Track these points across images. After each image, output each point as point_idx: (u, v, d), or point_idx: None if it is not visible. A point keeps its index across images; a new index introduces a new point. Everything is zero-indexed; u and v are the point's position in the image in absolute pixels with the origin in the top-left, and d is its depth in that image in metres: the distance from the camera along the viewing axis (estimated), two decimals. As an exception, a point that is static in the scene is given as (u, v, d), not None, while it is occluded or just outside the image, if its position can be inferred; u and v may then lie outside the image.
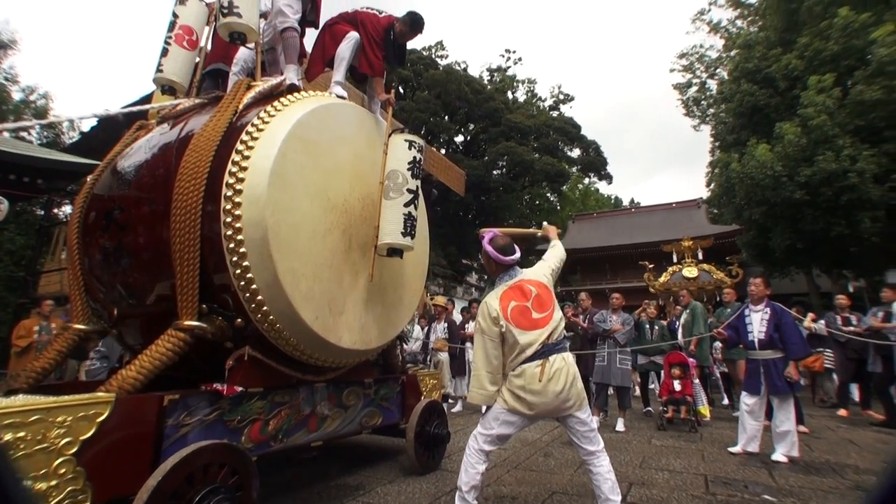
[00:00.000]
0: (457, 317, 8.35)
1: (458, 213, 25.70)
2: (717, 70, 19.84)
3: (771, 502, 3.11)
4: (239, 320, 2.55)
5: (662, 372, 6.84)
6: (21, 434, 1.63)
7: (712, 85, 20.18)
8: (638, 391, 8.32)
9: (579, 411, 2.48)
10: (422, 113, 24.04)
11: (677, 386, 6.14)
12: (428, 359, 7.05)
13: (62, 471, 1.72)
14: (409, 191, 3.10)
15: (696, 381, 6.44)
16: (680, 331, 7.16)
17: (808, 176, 11.01)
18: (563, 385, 2.38)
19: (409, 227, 3.05)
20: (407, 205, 3.07)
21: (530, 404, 2.40)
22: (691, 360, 6.47)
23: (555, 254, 2.90)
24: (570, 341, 7.26)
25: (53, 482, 1.69)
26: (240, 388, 2.45)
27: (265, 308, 2.50)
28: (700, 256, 14.83)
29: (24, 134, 14.55)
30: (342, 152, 3.05)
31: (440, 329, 7.20)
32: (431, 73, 25.79)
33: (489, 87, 29.31)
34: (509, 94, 31.72)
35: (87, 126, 12.16)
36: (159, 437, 2.08)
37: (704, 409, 6.44)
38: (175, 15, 3.49)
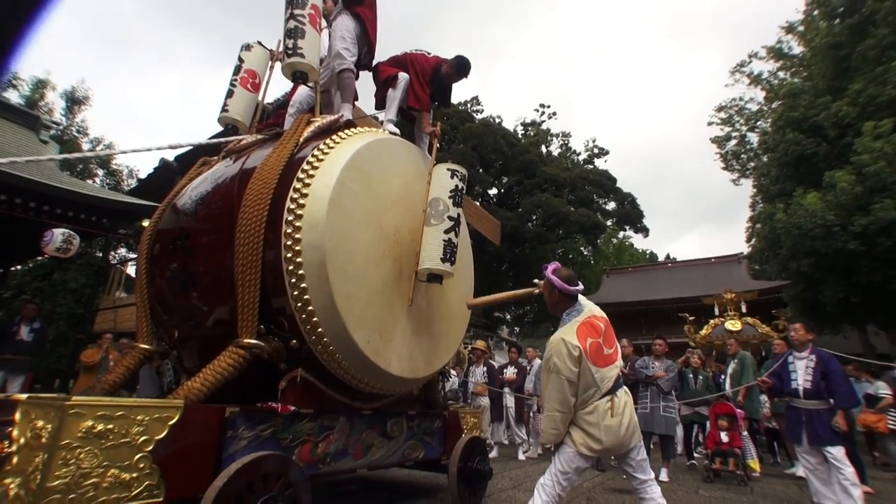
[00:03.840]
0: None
1: (492, 264, 25.70)
2: (758, 122, 19.80)
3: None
4: (294, 342, 2.64)
5: (707, 423, 6.46)
6: (110, 426, 1.78)
7: (752, 138, 20.14)
8: (681, 444, 7.82)
9: (638, 446, 2.45)
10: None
11: (724, 437, 5.82)
12: (468, 402, 6.88)
13: (141, 465, 1.84)
14: (451, 218, 3.19)
15: (745, 433, 6.08)
16: (728, 381, 6.79)
17: (864, 226, 10.50)
18: (629, 419, 2.39)
19: (449, 254, 3.12)
20: (447, 231, 3.15)
21: (601, 441, 2.33)
22: (739, 411, 6.12)
23: None
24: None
25: (135, 474, 1.82)
26: (292, 408, 2.50)
27: (320, 329, 2.58)
28: (744, 310, 14.15)
29: (89, 181, 15.80)
30: (394, 184, 3.21)
31: (479, 373, 7.07)
32: (468, 125, 26.66)
33: (524, 140, 30.02)
34: (543, 148, 32.27)
35: (144, 174, 13.18)
36: (220, 447, 2.14)
37: (754, 463, 6.05)
38: (241, 59, 3.87)
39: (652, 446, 6.60)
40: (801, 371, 4.25)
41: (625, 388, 2.48)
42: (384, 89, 3.86)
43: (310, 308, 2.55)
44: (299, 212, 2.65)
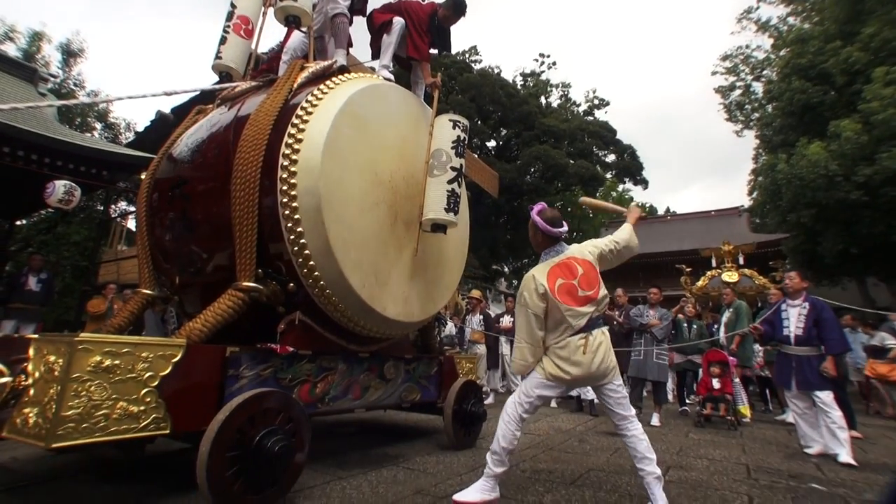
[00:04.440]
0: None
1: (490, 217, 25.62)
2: (764, 71, 19.04)
3: (819, 490, 3.01)
4: (291, 285, 2.70)
5: (700, 371, 6.67)
6: (117, 362, 1.88)
7: (758, 88, 19.42)
8: (673, 392, 8.12)
9: (615, 380, 2.56)
10: (456, 116, 24.18)
11: (716, 384, 5.98)
12: (465, 349, 7.10)
13: (148, 399, 1.96)
14: (453, 168, 3.20)
15: (737, 380, 6.25)
16: (722, 329, 6.92)
17: (868, 175, 10.35)
18: (602, 357, 2.46)
19: (453, 204, 3.14)
20: (451, 182, 3.16)
21: (571, 374, 2.45)
22: (732, 359, 6.29)
23: (614, 236, 2.80)
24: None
25: (142, 407, 1.94)
26: (291, 349, 2.59)
27: (316, 273, 2.64)
28: (741, 262, 14.20)
29: (87, 134, 15.74)
30: (389, 131, 3.18)
31: (475, 321, 7.25)
32: (466, 76, 25.86)
33: (523, 91, 29.21)
34: (543, 99, 31.45)
35: (141, 127, 13.06)
36: (223, 385, 2.24)
37: (745, 409, 6.27)
38: (233, 5, 3.69)
39: (645, 394, 6.86)
40: (794, 318, 4.34)
41: (604, 329, 2.54)
42: (379, 37, 3.75)
43: (306, 252, 2.60)
44: (294, 157, 2.65)
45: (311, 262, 2.62)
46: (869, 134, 10.52)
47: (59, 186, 6.42)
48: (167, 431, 2.03)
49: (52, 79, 13.86)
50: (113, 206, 13.34)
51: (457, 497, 2.39)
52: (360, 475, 2.81)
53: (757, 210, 15.95)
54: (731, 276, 13.23)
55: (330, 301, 2.73)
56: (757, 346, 7.03)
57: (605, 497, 2.64)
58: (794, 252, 14.01)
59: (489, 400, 7.09)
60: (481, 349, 7.04)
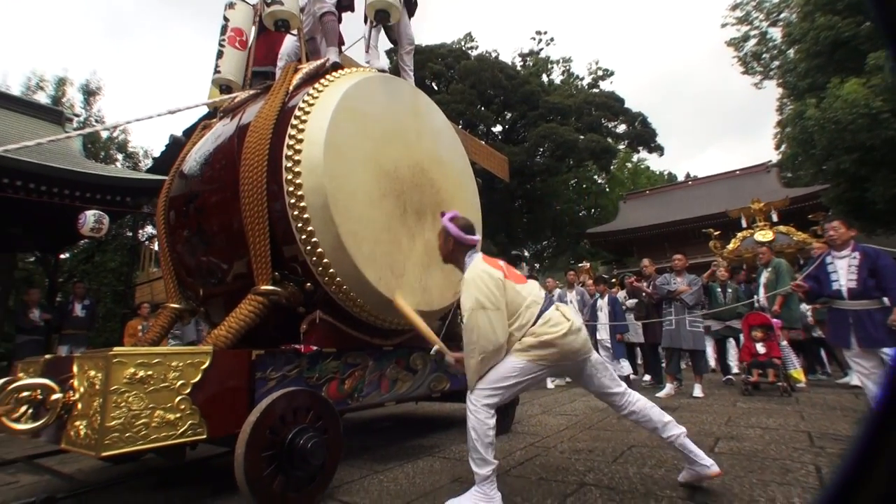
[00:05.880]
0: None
1: (504, 203, 25.42)
2: (781, 14, 17.97)
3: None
4: (308, 284, 2.73)
5: (742, 336, 6.42)
6: (150, 372, 1.95)
7: (775, 33, 18.45)
8: (714, 360, 7.89)
9: (593, 354, 2.33)
10: (458, 104, 23.85)
11: (760, 349, 5.68)
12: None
13: (182, 406, 2.02)
14: None
15: (784, 342, 5.87)
16: (762, 290, 6.52)
17: (923, 106, 9.37)
18: (581, 322, 2.28)
19: None
20: None
21: (560, 346, 2.16)
22: (776, 321, 5.90)
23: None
24: (636, 310, 7.02)
25: (178, 414, 2.00)
26: (315, 348, 2.62)
27: (332, 270, 2.66)
28: (775, 219, 13.36)
29: (111, 166, 16.79)
30: (387, 122, 3.16)
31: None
32: (464, 63, 25.65)
33: (523, 71, 28.77)
34: (545, 77, 30.97)
35: (157, 152, 13.63)
36: (252, 388, 2.29)
37: (798, 373, 5.82)
38: (226, 19, 3.80)
39: (684, 365, 6.67)
40: (844, 270, 3.95)
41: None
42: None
43: (319, 250, 2.62)
44: (297, 157, 2.66)
45: (325, 260, 2.63)
46: (921, 60, 9.74)
47: (90, 216, 6.76)
48: (204, 437, 2.08)
49: (76, 118, 14.95)
50: (141, 231, 14.03)
51: None
52: (396, 468, 2.83)
53: (787, 163, 15.16)
54: (764, 235, 12.57)
55: (348, 297, 2.75)
56: (803, 306, 6.56)
57: (651, 472, 2.55)
58: (836, 202, 13.09)
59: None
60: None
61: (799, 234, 12.04)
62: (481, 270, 2.24)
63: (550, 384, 6.92)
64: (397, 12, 3.42)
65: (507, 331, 2.18)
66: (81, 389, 1.99)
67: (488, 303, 2.14)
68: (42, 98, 20.16)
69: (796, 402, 4.81)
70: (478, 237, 2.51)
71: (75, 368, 2.05)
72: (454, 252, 2.46)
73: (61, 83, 21.87)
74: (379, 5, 3.34)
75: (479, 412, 2.19)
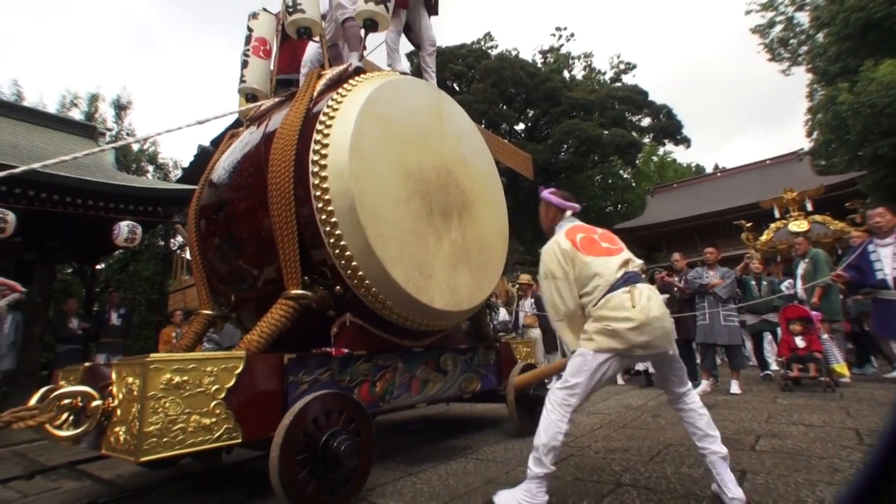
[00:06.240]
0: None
1: (530, 201, 25.13)
2: (807, -1, 17.38)
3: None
4: (338, 287, 2.75)
5: (779, 330, 6.17)
6: (185, 378, 1.99)
7: (802, 18, 17.81)
8: (752, 355, 7.62)
9: (674, 349, 2.18)
10: (479, 104, 23.81)
11: (800, 342, 5.42)
12: (520, 334, 7.01)
13: (217, 411, 2.05)
14: None
15: (825, 336, 5.60)
16: (799, 282, 6.20)
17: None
18: (658, 308, 2.04)
19: None
20: None
21: (624, 336, 1.99)
22: (815, 313, 5.60)
23: None
24: (667, 306, 6.81)
25: (213, 419, 2.04)
26: (345, 350, 2.64)
27: (360, 273, 2.66)
28: (809, 208, 12.82)
29: (142, 177, 17.41)
30: (411, 123, 3.16)
31: (528, 305, 7.14)
32: (484, 63, 25.62)
33: (544, 68, 28.52)
34: (566, 73, 30.64)
35: (186, 163, 14.05)
36: (285, 391, 2.32)
37: (841, 368, 5.55)
38: (250, 29, 3.87)
39: (719, 361, 6.45)
40: (889, 259, 3.83)
41: (648, 285, 2.18)
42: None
43: (347, 254, 2.63)
44: (323, 162, 2.68)
45: (354, 263, 2.64)
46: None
47: (124, 227, 7.09)
48: (239, 440, 2.11)
49: (108, 132, 15.52)
50: (172, 241, 14.46)
51: (496, 499, 2.12)
52: (429, 469, 2.82)
53: (820, 150, 14.58)
54: (799, 226, 12.04)
55: (377, 299, 2.75)
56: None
57: (689, 472, 2.47)
58: (875, 189, 12.60)
59: (550, 384, 6.97)
60: (535, 333, 6.91)
61: (836, 222, 11.53)
62: (553, 241, 2.34)
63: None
64: (385, 21, 3.40)
65: (576, 299, 2.19)
66: (120, 396, 2.04)
67: (556, 272, 2.22)
68: (76, 114, 20.90)
69: (841, 397, 4.60)
70: (577, 206, 2.53)
71: (114, 375, 2.10)
72: (555, 220, 2.52)
73: (94, 99, 22.67)
74: (366, 14, 3.32)
75: (553, 412, 2.11)
